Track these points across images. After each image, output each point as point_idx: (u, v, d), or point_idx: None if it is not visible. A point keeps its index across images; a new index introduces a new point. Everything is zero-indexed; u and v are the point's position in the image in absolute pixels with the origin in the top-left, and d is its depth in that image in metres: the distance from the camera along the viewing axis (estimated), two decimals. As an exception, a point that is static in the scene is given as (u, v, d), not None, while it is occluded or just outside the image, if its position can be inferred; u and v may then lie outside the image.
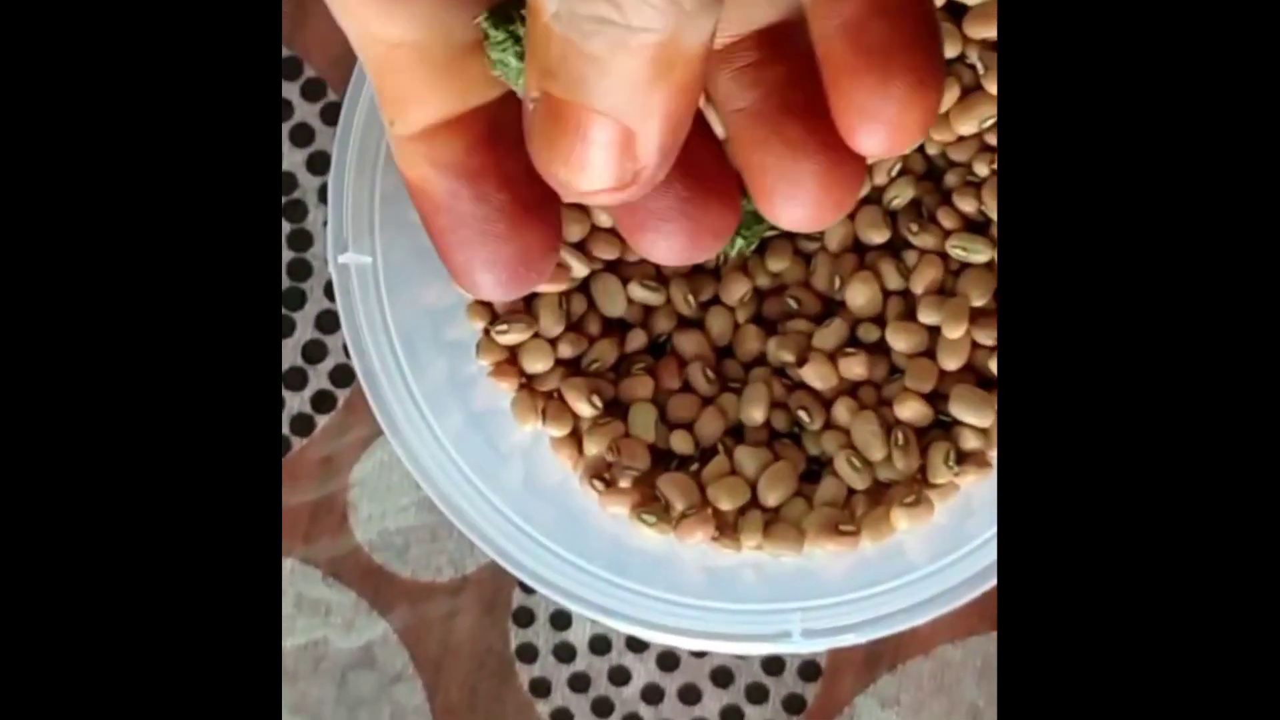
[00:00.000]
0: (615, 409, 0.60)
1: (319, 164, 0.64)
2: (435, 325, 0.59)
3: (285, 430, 0.64)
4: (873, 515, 0.57)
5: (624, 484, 0.58)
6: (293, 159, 0.64)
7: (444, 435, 0.57)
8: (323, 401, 0.64)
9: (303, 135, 0.64)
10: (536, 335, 0.60)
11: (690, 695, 0.63)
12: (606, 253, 0.60)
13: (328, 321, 0.64)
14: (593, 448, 0.59)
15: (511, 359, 0.60)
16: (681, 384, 0.60)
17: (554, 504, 0.59)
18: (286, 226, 0.64)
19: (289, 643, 0.64)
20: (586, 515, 0.59)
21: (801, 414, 0.59)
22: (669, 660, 0.63)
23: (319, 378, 0.64)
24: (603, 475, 0.59)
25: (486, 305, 0.60)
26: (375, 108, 0.55)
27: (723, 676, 0.63)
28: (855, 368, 0.58)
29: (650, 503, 0.58)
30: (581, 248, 0.60)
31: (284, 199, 0.64)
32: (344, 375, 0.64)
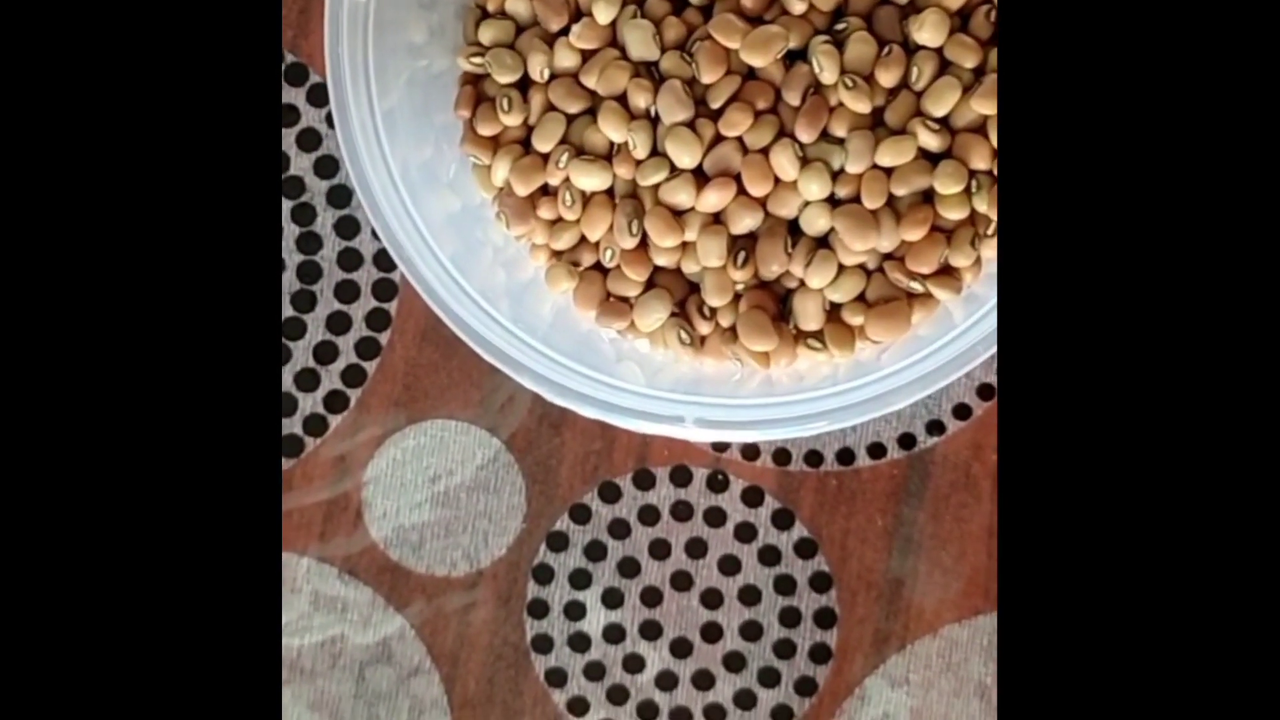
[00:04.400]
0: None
1: (327, 168, 0.65)
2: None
3: (299, 431, 0.65)
4: (839, 329, 0.58)
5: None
6: (300, 164, 0.65)
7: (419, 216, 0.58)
8: (335, 401, 0.65)
9: (310, 140, 0.65)
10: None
11: (704, 681, 0.64)
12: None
13: (338, 323, 0.65)
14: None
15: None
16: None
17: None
18: (296, 229, 0.65)
19: (306, 640, 0.65)
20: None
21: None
22: (682, 647, 0.64)
23: (331, 378, 0.65)
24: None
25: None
26: None
27: (735, 661, 0.64)
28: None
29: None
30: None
31: (292, 202, 0.65)
32: (356, 375, 0.65)
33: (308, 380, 0.65)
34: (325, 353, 0.65)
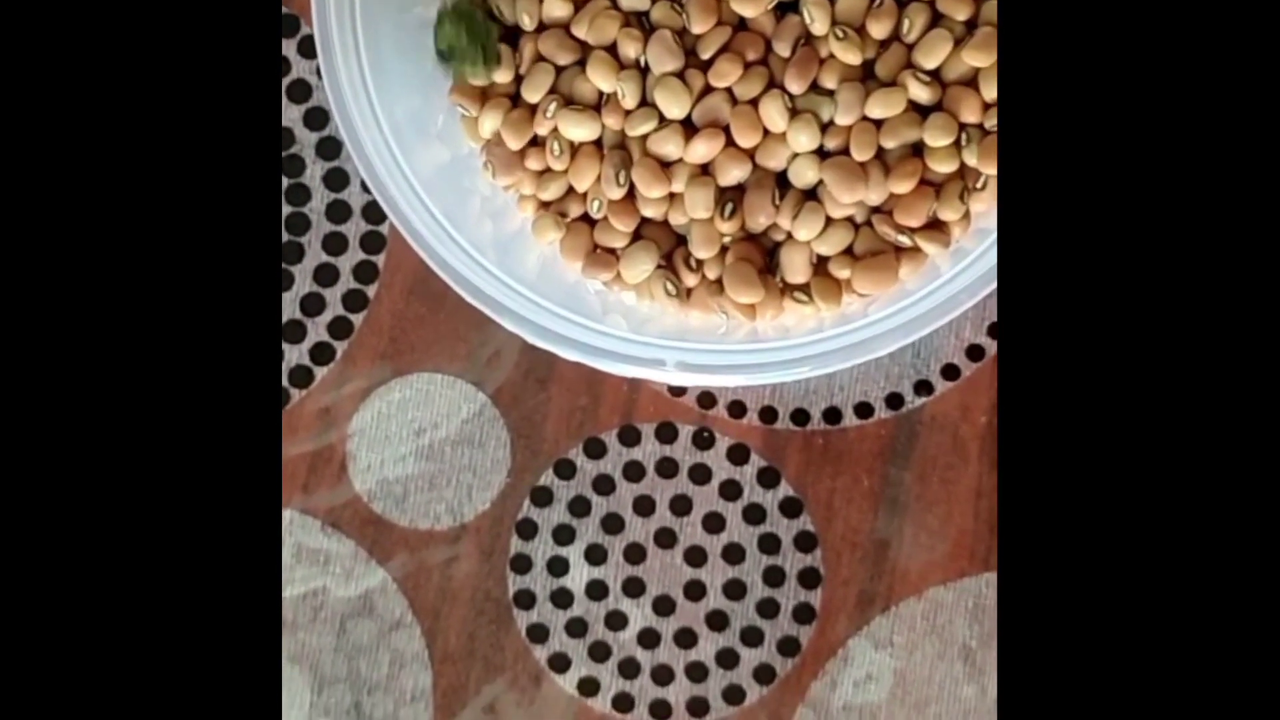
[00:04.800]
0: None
1: (316, 120, 0.65)
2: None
3: (284, 382, 0.65)
4: (826, 282, 0.58)
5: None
6: (290, 115, 0.65)
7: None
8: (321, 353, 0.65)
9: (300, 91, 0.65)
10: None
11: (686, 639, 0.64)
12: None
13: (325, 275, 0.65)
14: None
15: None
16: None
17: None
18: (285, 181, 0.65)
19: (288, 592, 0.65)
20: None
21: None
22: (665, 605, 0.64)
23: (317, 330, 0.65)
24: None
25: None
26: None
27: (718, 620, 0.64)
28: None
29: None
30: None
31: (283, 154, 0.65)
32: (342, 327, 0.65)
33: (294, 332, 0.65)
34: (312, 305, 0.65)
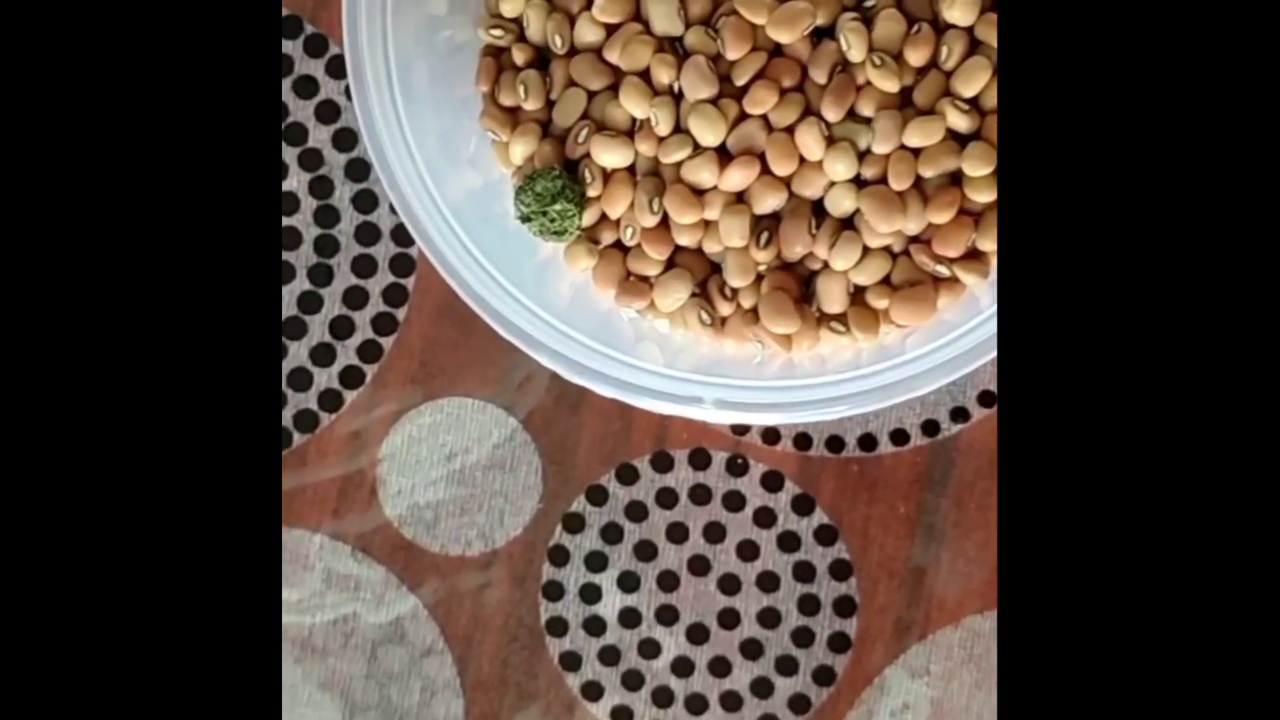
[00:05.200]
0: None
1: (345, 141, 0.64)
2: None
3: (314, 406, 0.64)
4: (863, 313, 0.57)
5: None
6: (319, 136, 0.64)
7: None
8: (351, 377, 0.64)
9: (328, 112, 0.64)
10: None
11: (720, 668, 0.63)
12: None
13: (355, 298, 0.64)
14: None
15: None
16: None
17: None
18: (314, 203, 0.64)
19: (318, 618, 0.64)
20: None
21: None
22: (699, 633, 0.63)
23: (347, 353, 0.64)
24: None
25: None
26: None
27: (752, 649, 0.63)
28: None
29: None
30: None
31: (310, 175, 0.64)
32: (372, 351, 0.64)
33: (323, 355, 0.64)
34: (341, 328, 0.64)
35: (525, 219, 0.58)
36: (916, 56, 0.56)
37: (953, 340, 0.54)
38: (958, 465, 0.62)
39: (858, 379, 0.54)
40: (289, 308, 0.64)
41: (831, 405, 0.54)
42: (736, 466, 0.63)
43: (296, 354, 0.64)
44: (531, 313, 0.56)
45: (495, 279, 0.56)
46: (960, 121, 0.55)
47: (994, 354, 0.53)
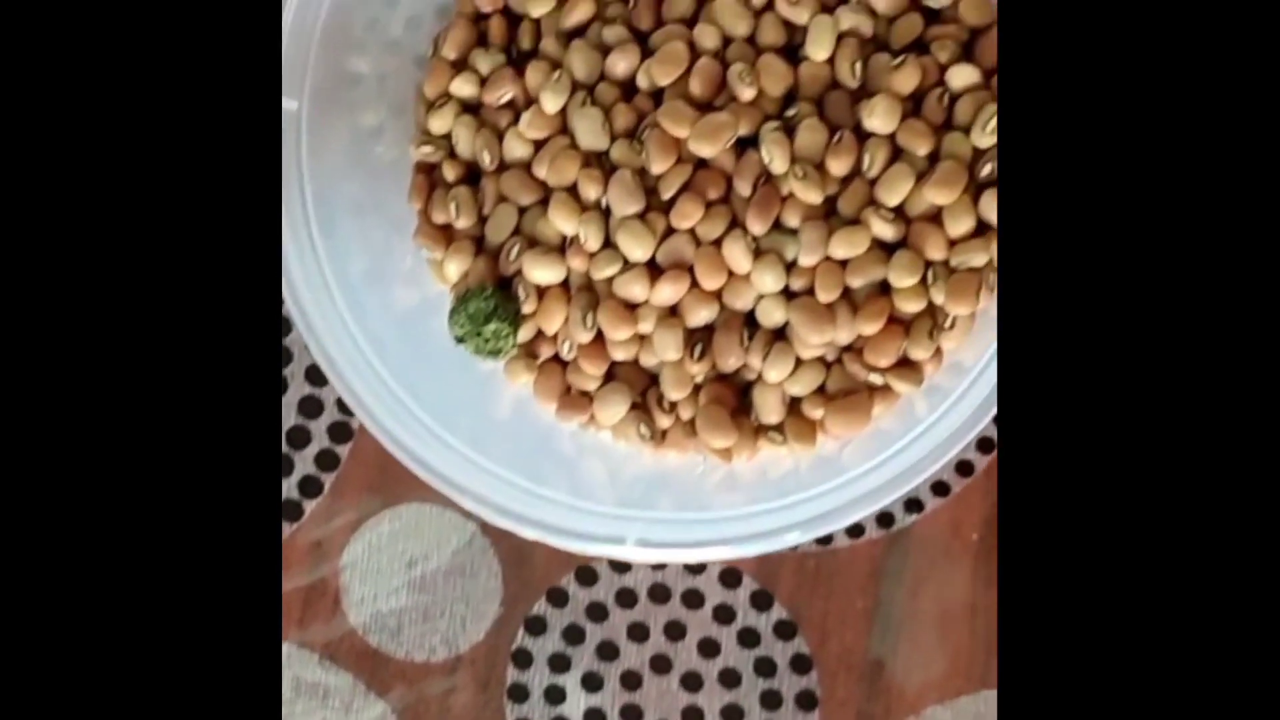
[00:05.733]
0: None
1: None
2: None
3: (275, 516, 0.65)
4: (799, 423, 0.57)
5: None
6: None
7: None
8: (309, 486, 0.65)
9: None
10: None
11: (686, 764, 0.64)
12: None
13: (310, 406, 0.64)
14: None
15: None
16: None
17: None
18: (263, 316, 0.64)
19: (290, 726, 0.65)
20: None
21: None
22: (663, 731, 0.64)
23: (304, 463, 0.64)
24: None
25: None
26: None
27: (717, 744, 0.63)
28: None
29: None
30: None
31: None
32: (329, 460, 0.64)
33: (282, 465, 0.65)
34: (298, 437, 0.65)
35: (460, 339, 0.58)
36: (839, 166, 0.55)
37: (892, 456, 0.54)
38: (913, 556, 0.62)
39: (796, 505, 0.54)
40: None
41: (763, 539, 0.53)
42: (694, 565, 0.63)
43: (256, 465, 0.65)
44: (461, 455, 0.56)
45: (421, 421, 0.56)
46: (885, 230, 0.55)
47: (934, 469, 0.53)
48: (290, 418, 0.65)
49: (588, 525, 0.55)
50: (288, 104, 0.55)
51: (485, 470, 0.55)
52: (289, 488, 0.65)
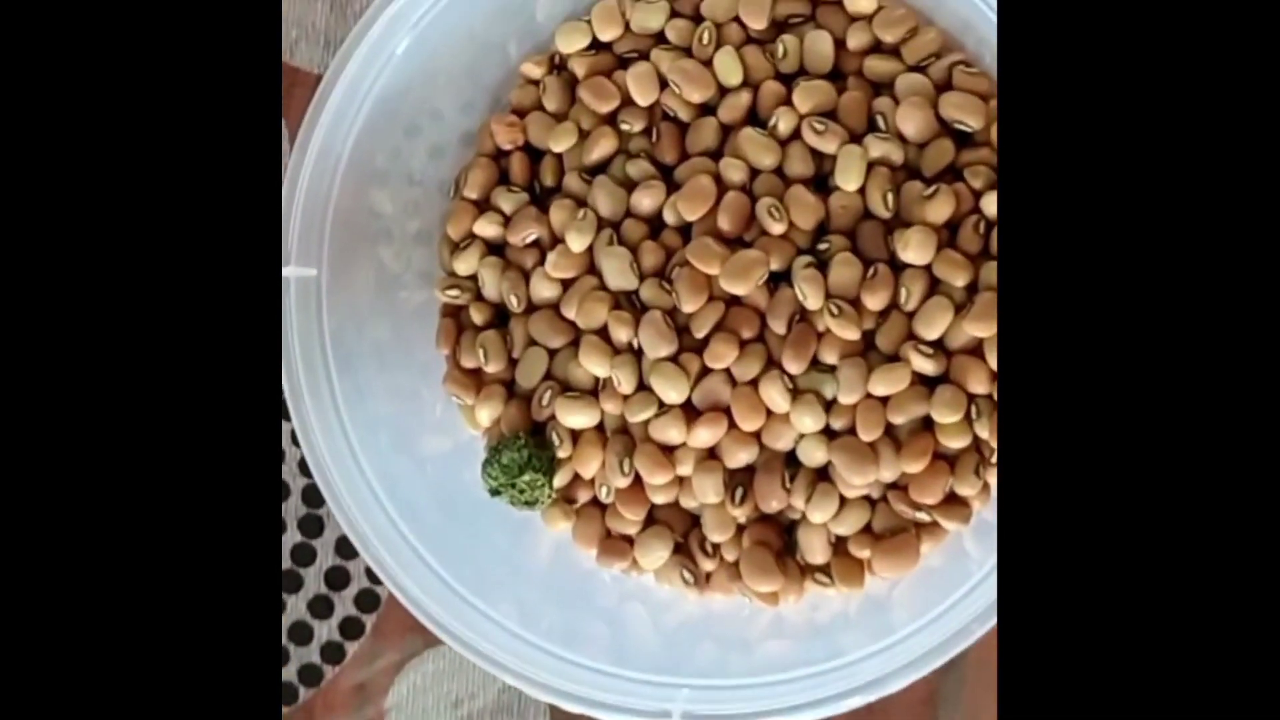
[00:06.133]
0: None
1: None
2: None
3: (316, 659, 0.63)
4: (846, 563, 0.55)
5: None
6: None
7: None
8: (350, 628, 0.63)
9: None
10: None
11: None
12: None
13: (346, 548, 0.63)
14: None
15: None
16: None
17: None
18: (298, 452, 0.63)
19: None
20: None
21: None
22: None
23: (344, 604, 0.63)
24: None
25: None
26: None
27: None
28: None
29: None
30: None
31: (290, 424, 0.63)
32: (369, 600, 0.63)
33: (321, 607, 0.64)
34: (336, 578, 0.64)
35: (495, 492, 0.57)
36: (875, 301, 0.54)
37: (944, 613, 0.52)
38: (969, 681, 0.61)
39: (850, 666, 0.52)
40: (284, 560, 0.63)
41: (817, 707, 0.52)
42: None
43: (295, 607, 0.64)
44: (495, 623, 0.55)
45: (457, 591, 0.55)
46: (925, 365, 0.53)
47: (988, 628, 0.51)
48: (329, 558, 0.63)
49: (631, 696, 0.53)
50: (307, 272, 0.54)
51: (525, 641, 0.54)
52: (330, 630, 0.63)
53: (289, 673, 0.64)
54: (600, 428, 0.57)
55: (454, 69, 0.58)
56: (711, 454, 0.56)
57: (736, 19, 0.57)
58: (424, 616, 0.54)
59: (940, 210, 0.54)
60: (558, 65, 0.59)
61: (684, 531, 0.57)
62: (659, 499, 0.56)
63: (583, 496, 0.58)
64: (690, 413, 0.55)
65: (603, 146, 0.57)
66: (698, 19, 0.57)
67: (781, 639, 0.55)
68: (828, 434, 0.55)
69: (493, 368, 0.58)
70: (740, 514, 0.56)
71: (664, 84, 0.57)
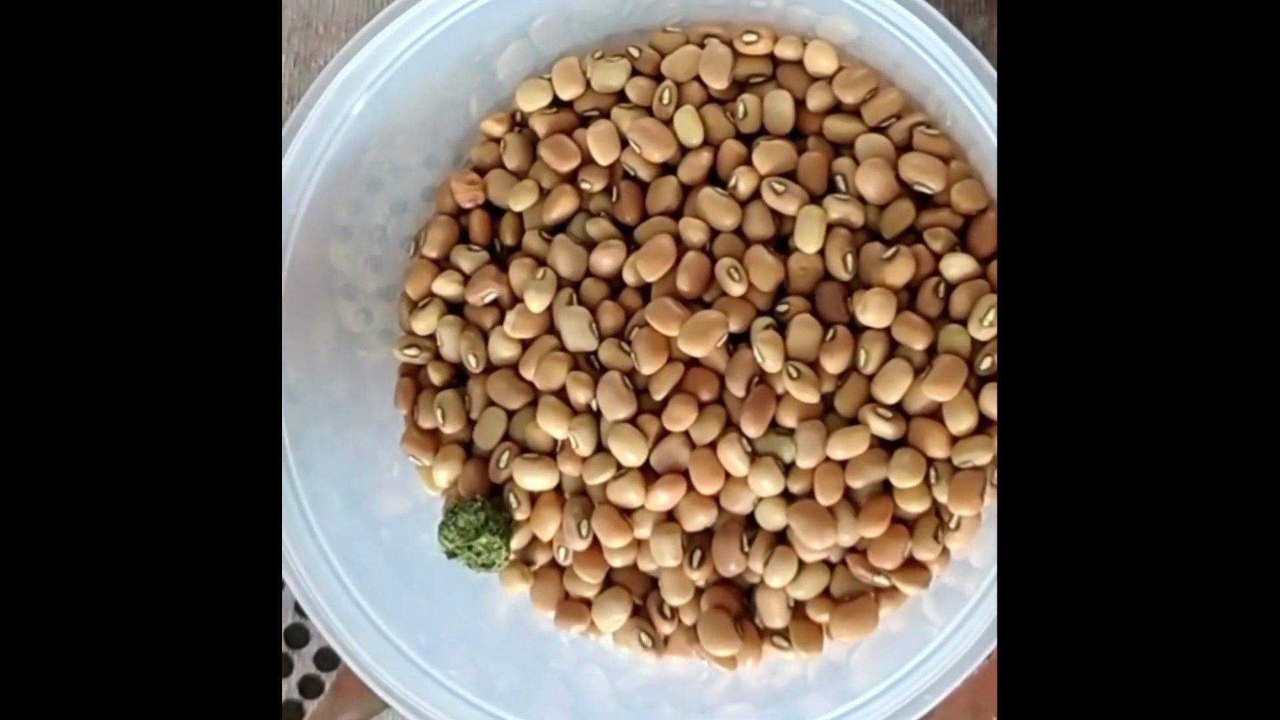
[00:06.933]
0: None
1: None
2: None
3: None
4: (805, 627, 0.55)
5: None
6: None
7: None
8: (309, 686, 0.63)
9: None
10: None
11: None
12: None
13: (306, 606, 0.63)
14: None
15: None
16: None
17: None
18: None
19: None
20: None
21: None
22: None
23: (304, 662, 0.63)
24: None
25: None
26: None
27: None
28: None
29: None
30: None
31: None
32: (328, 659, 0.63)
33: (281, 665, 0.63)
34: (295, 636, 0.63)
35: (451, 554, 0.56)
36: (834, 363, 0.53)
37: (907, 674, 0.52)
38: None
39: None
40: (242, 619, 0.63)
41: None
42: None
43: (254, 665, 0.63)
44: (452, 693, 0.54)
45: (411, 659, 0.54)
46: (885, 429, 0.53)
47: (956, 683, 0.51)
48: (288, 616, 0.63)
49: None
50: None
51: (480, 709, 0.54)
52: (289, 688, 0.63)
53: (247, 731, 0.63)
54: (558, 489, 0.57)
55: (415, 125, 0.58)
56: (670, 516, 0.55)
57: (697, 78, 0.57)
58: (377, 686, 0.54)
59: (900, 272, 0.53)
60: (519, 123, 0.59)
61: (642, 594, 0.57)
62: (617, 561, 0.56)
63: (541, 558, 0.57)
64: (649, 475, 0.55)
65: (563, 205, 0.57)
66: (659, 78, 0.57)
67: (740, 702, 0.55)
68: (786, 497, 0.54)
69: (450, 428, 0.57)
70: (698, 577, 0.55)
71: (624, 143, 0.56)
